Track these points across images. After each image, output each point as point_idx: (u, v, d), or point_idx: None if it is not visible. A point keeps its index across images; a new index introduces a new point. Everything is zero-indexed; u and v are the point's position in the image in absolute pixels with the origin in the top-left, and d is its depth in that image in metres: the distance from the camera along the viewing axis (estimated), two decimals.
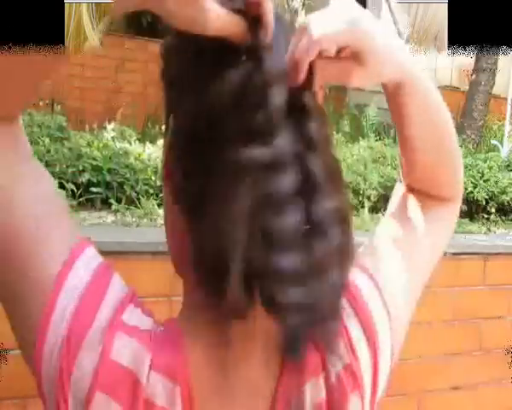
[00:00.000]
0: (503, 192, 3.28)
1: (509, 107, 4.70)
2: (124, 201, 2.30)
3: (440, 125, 0.70)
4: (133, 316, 0.59)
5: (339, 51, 0.56)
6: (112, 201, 2.30)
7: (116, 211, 2.25)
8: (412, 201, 0.76)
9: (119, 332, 0.57)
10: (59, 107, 3.88)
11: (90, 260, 0.59)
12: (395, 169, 3.15)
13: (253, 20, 0.53)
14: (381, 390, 0.67)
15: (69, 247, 0.58)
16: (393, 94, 0.65)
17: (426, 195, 0.75)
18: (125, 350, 0.56)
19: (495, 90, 5.72)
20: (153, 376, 0.56)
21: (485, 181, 3.28)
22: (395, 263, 0.71)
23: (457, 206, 0.79)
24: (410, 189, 0.77)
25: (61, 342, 0.56)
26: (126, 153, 2.53)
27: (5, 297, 0.59)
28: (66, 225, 0.60)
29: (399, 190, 0.79)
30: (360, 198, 2.86)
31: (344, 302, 0.65)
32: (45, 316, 0.56)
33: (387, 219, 0.77)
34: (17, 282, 0.57)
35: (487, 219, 3.17)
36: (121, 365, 0.56)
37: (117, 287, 0.60)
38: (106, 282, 0.59)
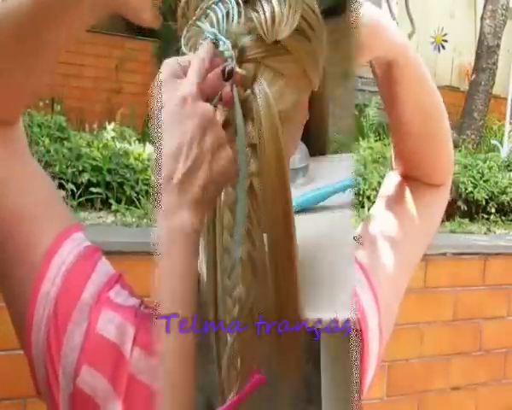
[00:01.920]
0: (503, 192, 3.27)
1: (509, 107, 4.69)
2: (124, 201, 2.30)
3: (432, 108, 0.68)
4: (119, 295, 0.61)
5: None
6: (112, 201, 2.30)
7: (116, 211, 2.25)
8: (406, 191, 0.76)
9: (104, 307, 0.58)
10: (59, 107, 3.87)
11: (78, 241, 0.61)
12: None
13: None
14: (369, 378, 0.67)
15: (62, 226, 0.60)
16: (385, 71, 0.64)
17: (420, 181, 0.75)
18: (110, 325, 0.58)
19: (495, 90, 5.71)
20: (136, 351, 0.57)
21: (485, 181, 3.27)
22: (385, 253, 0.71)
23: (448, 188, 0.78)
24: (403, 176, 0.76)
25: (47, 317, 0.57)
26: (126, 153, 2.52)
27: None
28: (58, 210, 0.62)
29: (392, 177, 0.78)
30: (360, 198, 2.86)
31: None
32: (34, 290, 0.58)
33: (382, 207, 0.77)
34: (6, 259, 0.59)
35: (487, 219, 3.17)
36: (106, 338, 0.57)
37: (104, 268, 0.62)
38: (92, 262, 0.61)
